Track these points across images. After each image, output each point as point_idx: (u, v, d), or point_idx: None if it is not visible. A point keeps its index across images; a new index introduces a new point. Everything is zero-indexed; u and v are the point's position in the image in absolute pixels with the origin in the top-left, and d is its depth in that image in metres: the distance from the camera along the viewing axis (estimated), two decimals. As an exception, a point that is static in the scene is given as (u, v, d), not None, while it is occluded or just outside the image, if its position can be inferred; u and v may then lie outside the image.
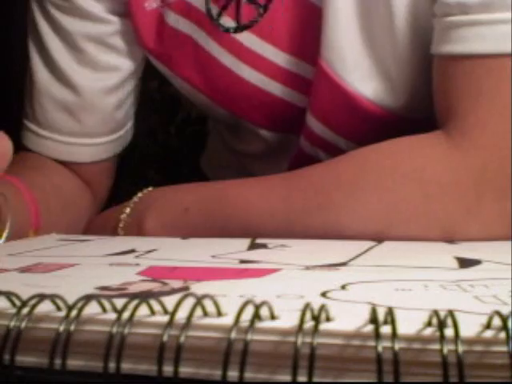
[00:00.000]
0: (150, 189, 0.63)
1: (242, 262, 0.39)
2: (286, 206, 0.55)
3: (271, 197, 0.56)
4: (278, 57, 0.63)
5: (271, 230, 0.54)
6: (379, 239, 0.51)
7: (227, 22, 0.64)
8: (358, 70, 0.59)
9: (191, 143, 0.79)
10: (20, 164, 0.67)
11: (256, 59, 0.64)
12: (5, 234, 0.53)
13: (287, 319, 0.23)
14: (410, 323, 0.22)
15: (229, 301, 0.26)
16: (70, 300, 0.24)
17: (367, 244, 0.47)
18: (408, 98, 0.60)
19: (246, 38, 0.63)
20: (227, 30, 0.63)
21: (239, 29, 0.63)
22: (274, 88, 0.65)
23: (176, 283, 0.31)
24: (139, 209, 0.60)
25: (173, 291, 0.29)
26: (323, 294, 0.28)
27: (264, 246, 0.47)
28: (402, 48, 0.58)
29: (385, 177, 0.53)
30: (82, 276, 0.34)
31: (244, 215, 0.56)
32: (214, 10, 0.64)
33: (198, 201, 0.58)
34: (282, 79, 0.64)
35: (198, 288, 0.29)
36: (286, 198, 0.55)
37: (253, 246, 0.47)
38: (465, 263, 0.38)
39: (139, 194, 0.62)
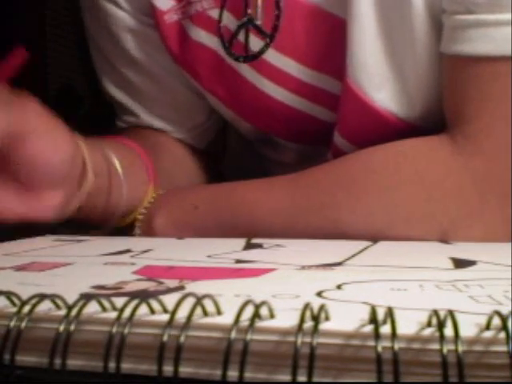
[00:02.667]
0: (167, 189, 0.64)
1: (238, 261, 0.39)
2: (291, 203, 0.56)
3: (277, 195, 0.56)
4: (301, 72, 0.62)
5: (276, 227, 0.55)
6: (380, 239, 0.51)
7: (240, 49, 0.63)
8: (385, 87, 0.58)
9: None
10: (125, 132, 0.71)
11: (279, 75, 0.63)
12: (86, 183, 0.54)
13: (284, 319, 0.23)
14: (407, 323, 0.22)
15: (225, 300, 0.26)
16: (67, 299, 0.24)
17: (362, 244, 0.47)
18: (436, 111, 0.59)
19: (269, 54, 0.62)
20: (237, 59, 0.63)
21: (248, 59, 0.62)
22: (298, 103, 0.64)
23: (171, 282, 0.31)
24: (151, 208, 0.61)
25: (168, 290, 0.29)
26: (318, 294, 0.28)
27: (259, 245, 0.47)
28: (424, 62, 0.56)
29: (387, 177, 0.53)
30: (77, 275, 0.34)
31: (250, 213, 0.57)
32: (226, 38, 0.63)
33: (207, 199, 0.60)
34: (305, 94, 0.63)
35: (194, 287, 0.29)
36: (291, 195, 0.56)
37: (248, 246, 0.47)
38: (460, 264, 0.38)
39: (154, 195, 0.63)
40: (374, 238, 0.51)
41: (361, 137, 0.60)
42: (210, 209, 0.59)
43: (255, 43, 0.62)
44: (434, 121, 0.58)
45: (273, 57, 0.62)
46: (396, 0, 0.55)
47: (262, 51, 0.62)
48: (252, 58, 0.62)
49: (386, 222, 0.52)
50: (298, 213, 0.55)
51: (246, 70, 0.64)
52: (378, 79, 0.58)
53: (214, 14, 0.64)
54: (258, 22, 0.61)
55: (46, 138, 0.49)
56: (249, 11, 0.61)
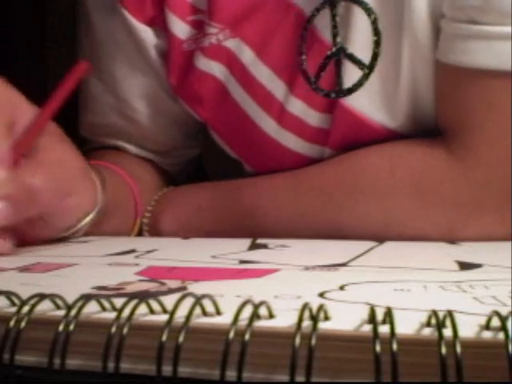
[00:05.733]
0: (170, 188, 0.64)
1: (242, 262, 0.39)
2: (293, 205, 0.56)
3: (279, 196, 0.57)
4: (316, 118, 0.58)
5: (280, 228, 0.55)
6: (379, 239, 0.51)
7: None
8: (378, 100, 0.55)
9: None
10: (111, 155, 0.67)
11: (297, 124, 0.58)
12: (91, 215, 0.53)
13: (284, 319, 0.23)
14: (408, 323, 0.22)
15: (226, 301, 0.26)
16: (68, 299, 0.24)
17: (368, 244, 0.47)
18: (426, 119, 0.56)
19: (292, 104, 0.57)
20: (327, 95, 0.55)
21: (342, 93, 0.55)
22: (307, 148, 0.59)
23: (173, 283, 0.31)
24: (156, 210, 0.61)
25: (170, 291, 0.29)
26: (321, 295, 0.28)
27: (264, 246, 0.47)
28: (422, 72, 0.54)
29: (382, 181, 0.53)
30: (80, 276, 0.34)
31: (254, 214, 0.57)
32: (307, 73, 0.56)
33: (211, 199, 0.60)
34: (314, 139, 0.58)
35: (196, 288, 0.29)
36: (293, 197, 0.56)
37: (253, 246, 0.47)
38: (466, 264, 0.38)
39: (159, 193, 0.63)
40: (373, 239, 0.51)
41: (352, 147, 0.57)
42: (214, 210, 0.59)
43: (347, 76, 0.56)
44: (424, 128, 0.57)
45: (296, 107, 0.58)
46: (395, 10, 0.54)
47: (360, 83, 0.54)
48: (347, 93, 0.55)
49: (383, 224, 0.53)
50: (300, 214, 0.55)
51: (262, 118, 0.59)
52: (376, 96, 0.55)
53: (229, 44, 0.60)
54: (350, 51, 0.54)
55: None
56: (338, 39, 0.54)
